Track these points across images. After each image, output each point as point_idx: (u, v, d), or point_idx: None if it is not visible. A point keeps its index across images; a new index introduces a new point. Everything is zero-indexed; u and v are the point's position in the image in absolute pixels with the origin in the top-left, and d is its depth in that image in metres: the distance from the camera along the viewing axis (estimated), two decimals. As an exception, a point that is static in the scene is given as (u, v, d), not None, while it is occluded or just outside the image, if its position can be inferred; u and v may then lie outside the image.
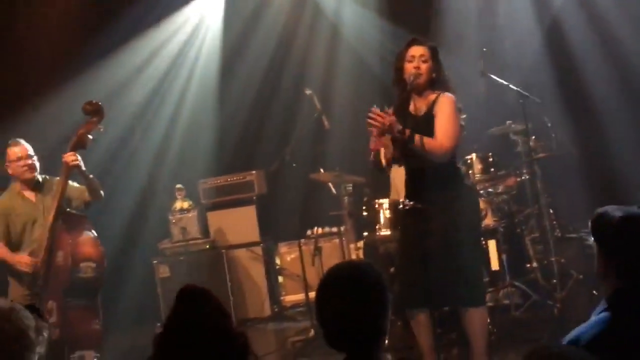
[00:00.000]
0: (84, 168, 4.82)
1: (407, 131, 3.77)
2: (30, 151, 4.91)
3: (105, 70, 6.90)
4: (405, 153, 3.82)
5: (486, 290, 4.44)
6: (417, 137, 3.78)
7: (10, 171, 4.92)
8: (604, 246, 2.30)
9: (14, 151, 4.88)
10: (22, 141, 4.94)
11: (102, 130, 4.85)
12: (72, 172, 4.76)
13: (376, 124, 3.75)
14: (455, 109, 3.95)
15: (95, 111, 4.80)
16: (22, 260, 4.74)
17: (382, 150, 3.97)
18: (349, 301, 2.16)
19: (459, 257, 3.89)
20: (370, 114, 3.77)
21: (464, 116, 4.83)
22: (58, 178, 4.85)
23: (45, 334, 2.27)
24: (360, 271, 2.23)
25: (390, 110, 3.98)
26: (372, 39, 7.10)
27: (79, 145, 4.76)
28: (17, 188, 4.94)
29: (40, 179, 4.97)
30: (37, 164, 4.94)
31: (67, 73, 6.57)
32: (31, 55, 6.75)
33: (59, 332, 4.63)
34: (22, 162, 4.86)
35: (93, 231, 4.94)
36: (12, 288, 4.87)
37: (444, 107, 3.90)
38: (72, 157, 4.71)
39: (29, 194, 4.94)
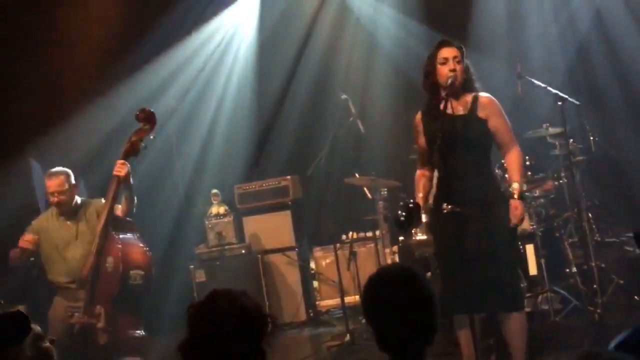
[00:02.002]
0: (131, 180, 4.84)
1: (515, 191, 3.90)
2: (63, 185, 4.91)
3: (142, 76, 6.99)
4: (443, 157, 3.79)
5: (525, 295, 4.38)
6: (517, 185, 3.91)
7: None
8: None
9: (47, 184, 4.96)
10: (58, 173, 4.94)
11: (153, 137, 4.88)
12: (121, 181, 4.75)
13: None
14: (500, 105, 3.98)
15: (147, 118, 4.84)
16: (24, 238, 4.81)
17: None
18: (402, 302, 2.18)
19: (497, 261, 3.85)
20: None
21: None
22: (93, 201, 4.98)
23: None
24: (412, 275, 2.24)
25: None
26: (407, 42, 7.08)
27: (132, 153, 4.80)
28: (55, 210, 5.04)
29: (79, 202, 5.02)
30: (72, 195, 4.95)
31: (106, 80, 6.67)
32: (72, 63, 6.87)
33: (106, 337, 4.67)
34: (52, 198, 4.95)
35: (140, 238, 4.98)
36: (56, 303, 4.90)
37: (496, 111, 3.95)
38: (119, 168, 4.73)
39: (64, 219, 5.01)
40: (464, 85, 3.95)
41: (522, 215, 3.88)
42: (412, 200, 3.91)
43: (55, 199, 4.94)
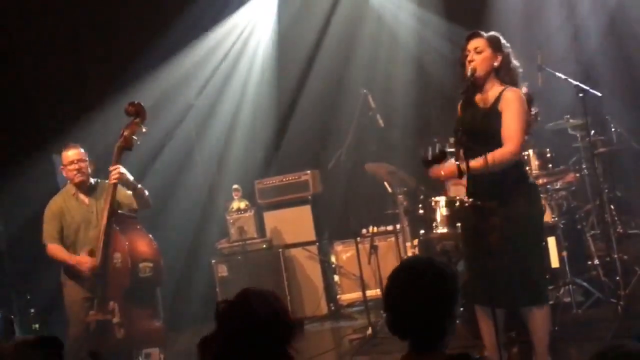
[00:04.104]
0: (131, 178, 4.89)
1: (472, 165, 3.69)
2: (82, 156, 5.00)
3: (162, 72, 7.04)
4: (465, 150, 3.78)
5: (547, 288, 4.37)
6: (478, 162, 3.70)
7: (64, 173, 5.04)
8: None
9: (66, 155, 4.99)
10: (76, 145, 5.03)
11: (145, 130, 4.88)
12: (118, 184, 4.82)
13: (437, 177, 3.81)
14: (522, 104, 3.86)
15: (137, 112, 4.85)
16: (82, 260, 4.80)
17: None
18: (419, 293, 2.20)
19: (520, 255, 3.85)
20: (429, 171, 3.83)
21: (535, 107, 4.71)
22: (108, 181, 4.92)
23: None
24: (437, 267, 2.26)
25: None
26: (426, 35, 7.07)
27: (126, 147, 4.82)
28: (72, 190, 5.04)
29: (93, 182, 5.06)
30: (89, 168, 5.02)
31: (126, 76, 6.73)
32: (91, 61, 6.94)
33: (124, 332, 4.73)
34: (72, 167, 4.96)
35: (144, 229, 4.99)
36: (69, 291, 4.96)
37: (511, 106, 3.83)
38: (114, 173, 4.77)
39: (83, 197, 5.03)
40: (498, 77, 3.90)
41: (442, 172, 3.78)
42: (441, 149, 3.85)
43: (77, 166, 4.94)
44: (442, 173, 3.83)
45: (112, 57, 6.93)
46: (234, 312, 2.05)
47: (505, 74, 3.91)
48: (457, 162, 3.65)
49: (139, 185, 4.99)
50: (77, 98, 6.79)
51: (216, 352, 2.02)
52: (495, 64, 3.89)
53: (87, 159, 5.04)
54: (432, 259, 2.32)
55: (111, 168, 4.81)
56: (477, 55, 3.86)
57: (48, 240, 4.98)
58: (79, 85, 6.87)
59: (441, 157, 3.76)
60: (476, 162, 3.70)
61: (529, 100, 3.94)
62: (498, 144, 3.88)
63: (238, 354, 2.01)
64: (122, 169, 4.85)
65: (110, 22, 6.94)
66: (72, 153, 4.98)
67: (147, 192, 5.05)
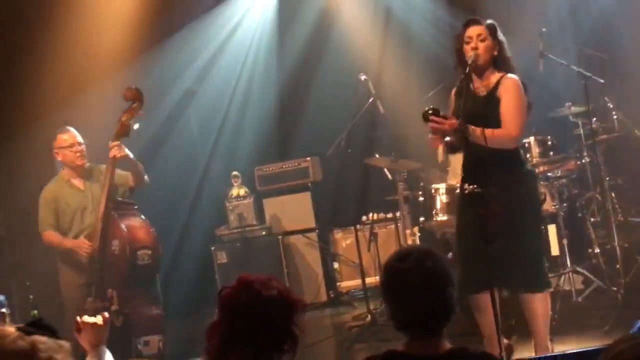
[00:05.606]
0: (131, 156, 4.83)
1: (473, 128, 3.74)
2: (80, 138, 4.93)
3: (159, 58, 6.99)
4: (466, 138, 3.76)
5: (547, 275, 4.36)
6: (486, 131, 3.73)
7: (59, 158, 4.96)
8: None
9: (64, 138, 4.91)
10: (71, 128, 4.97)
11: (143, 115, 4.81)
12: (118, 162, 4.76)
13: (438, 128, 3.74)
14: (521, 91, 3.88)
15: (135, 97, 4.78)
16: (80, 244, 4.78)
17: (441, 147, 3.93)
18: (418, 285, 2.17)
19: (520, 241, 3.84)
20: (431, 121, 3.75)
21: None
22: (105, 166, 4.87)
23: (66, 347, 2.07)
24: (428, 253, 2.24)
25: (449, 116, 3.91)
26: (426, 21, 7.02)
27: (123, 133, 4.75)
28: (66, 176, 4.98)
29: (87, 167, 5.00)
30: (85, 151, 4.97)
31: (121, 61, 6.67)
32: (87, 46, 6.88)
33: (122, 319, 4.69)
34: (73, 149, 4.90)
35: (142, 216, 4.95)
36: (65, 277, 4.94)
37: (510, 91, 3.84)
38: (117, 151, 4.70)
39: (78, 182, 4.97)
40: (495, 64, 3.89)
41: (443, 127, 3.73)
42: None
43: (79, 148, 4.89)
44: (443, 124, 3.75)
45: (105, 40, 6.85)
46: (238, 295, 2.08)
47: (502, 63, 3.91)
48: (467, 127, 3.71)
49: (139, 163, 4.94)
50: (76, 73, 6.72)
51: (223, 336, 2.06)
52: (495, 53, 3.89)
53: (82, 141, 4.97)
54: (417, 246, 2.31)
55: (112, 147, 4.71)
56: (481, 43, 3.85)
57: (44, 227, 4.94)
58: (79, 61, 6.80)
59: (437, 112, 3.78)
60: (476, 130, 3.73)
61: (524, 89, 3.94)
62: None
63: (245, 336, 2.04)
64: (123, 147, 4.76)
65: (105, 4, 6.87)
66: (69, 136, 4.92)
67: (142, 168, 5.00)
